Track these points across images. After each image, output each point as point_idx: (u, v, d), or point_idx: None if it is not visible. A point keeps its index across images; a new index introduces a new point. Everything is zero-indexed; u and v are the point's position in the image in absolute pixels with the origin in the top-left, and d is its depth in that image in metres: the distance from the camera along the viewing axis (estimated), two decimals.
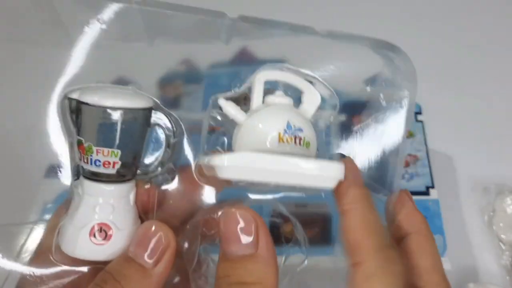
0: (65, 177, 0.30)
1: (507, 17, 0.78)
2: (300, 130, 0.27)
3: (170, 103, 0.30)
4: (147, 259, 0.26)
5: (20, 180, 0.31)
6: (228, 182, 0.29)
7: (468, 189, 0.62)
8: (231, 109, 0.28)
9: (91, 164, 0.28)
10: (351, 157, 0.31)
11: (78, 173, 0.29)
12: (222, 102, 0.28)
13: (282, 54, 0.30)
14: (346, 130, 0.31)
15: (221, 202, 0.30)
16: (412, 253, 0.29)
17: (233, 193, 0.31)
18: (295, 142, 0.26)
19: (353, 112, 0.32)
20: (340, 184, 0.26)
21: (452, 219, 0.58)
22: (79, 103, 0.28)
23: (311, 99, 0.29)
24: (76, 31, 0.28)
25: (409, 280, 0.28)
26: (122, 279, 0.26)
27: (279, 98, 0.28)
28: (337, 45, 0.30)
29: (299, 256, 0.33)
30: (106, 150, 0.27)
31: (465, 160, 0.64)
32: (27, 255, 0.29)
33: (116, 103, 0.27)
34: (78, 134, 0.28)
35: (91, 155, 0.27)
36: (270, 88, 0.29)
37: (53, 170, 0.30)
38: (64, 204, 0.30)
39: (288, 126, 0.26)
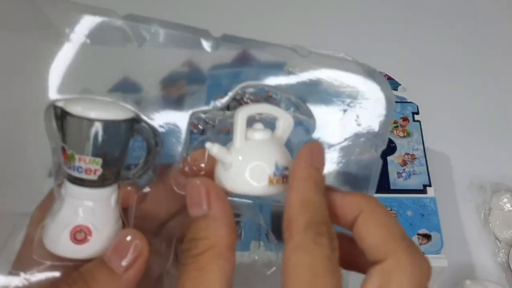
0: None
1: (504, 18, 0.78)
2: (286, 169, 0.28)
3: (174, 102, 0.30)
4: (119, 264, 0.28)
5: (24, 179, 0.32)
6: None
7: (464, 188, 0.63)
8: (218, 152, 0.29)
9: (73, 170, 0.29)
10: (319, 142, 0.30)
11: (62, 174, 0.30)
12: (208, 145, 0.29)
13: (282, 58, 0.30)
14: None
15: None
16: (360, 237, 0.26)
17: None
18: (282, 182, 0.28)
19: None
20: (296, 164, 0.27)
21: (449, 217, 0.58)
22: (64, 112, 0.29)
23: (285, 124, 0.30)
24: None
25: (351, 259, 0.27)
26: (91, 280, 0.27)
27: (260, 134, 0.29)
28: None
29: None
30: (87, 158, 0.28)
31: (462, 159, 0.65)
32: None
33: (98, 115, 0.28)
34: (62, 141, 0.29)
35: (73, 162, 0.28)
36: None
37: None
38: (48, 198, 0.31)
39: (277, 168, 0.28)
